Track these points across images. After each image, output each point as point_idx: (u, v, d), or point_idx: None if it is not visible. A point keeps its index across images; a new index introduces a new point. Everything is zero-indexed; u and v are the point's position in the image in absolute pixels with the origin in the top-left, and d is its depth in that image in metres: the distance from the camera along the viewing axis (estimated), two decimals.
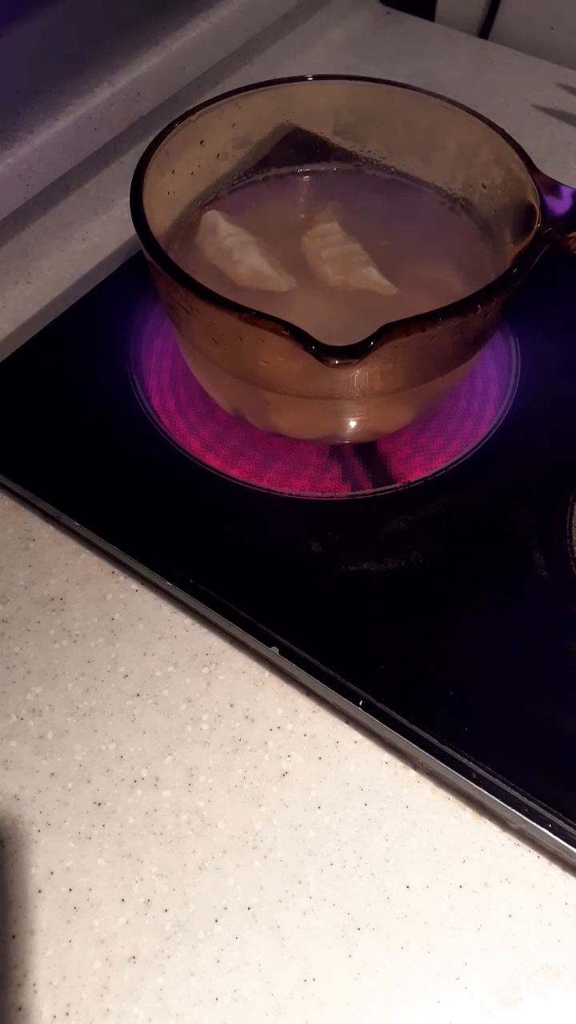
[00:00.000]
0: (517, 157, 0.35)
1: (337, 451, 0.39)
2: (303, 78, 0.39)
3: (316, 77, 0.39)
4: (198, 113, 0.37)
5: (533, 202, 0.33)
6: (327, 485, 0.38)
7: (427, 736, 0.31)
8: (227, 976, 0.28)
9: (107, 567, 0.37)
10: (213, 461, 0.39)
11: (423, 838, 0.31)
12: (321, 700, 0.34)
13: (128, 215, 0.33)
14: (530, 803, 0.30)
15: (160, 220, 0.36)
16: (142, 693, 0.34)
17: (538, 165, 0.34)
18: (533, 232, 0.32)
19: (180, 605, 0.36)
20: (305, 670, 0.33)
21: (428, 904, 0.30)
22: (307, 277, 0.38)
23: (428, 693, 0.32)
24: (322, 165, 0.41)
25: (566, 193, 0.33)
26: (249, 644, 0.34)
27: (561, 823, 0.29)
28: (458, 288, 0.37)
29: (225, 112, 0.38)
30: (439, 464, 0.39)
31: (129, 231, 0.51)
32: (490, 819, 0.31)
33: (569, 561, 0.35)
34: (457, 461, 0.39)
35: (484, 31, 0.67)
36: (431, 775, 0.32)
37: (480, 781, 0.30)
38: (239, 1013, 0.28)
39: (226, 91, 0.38)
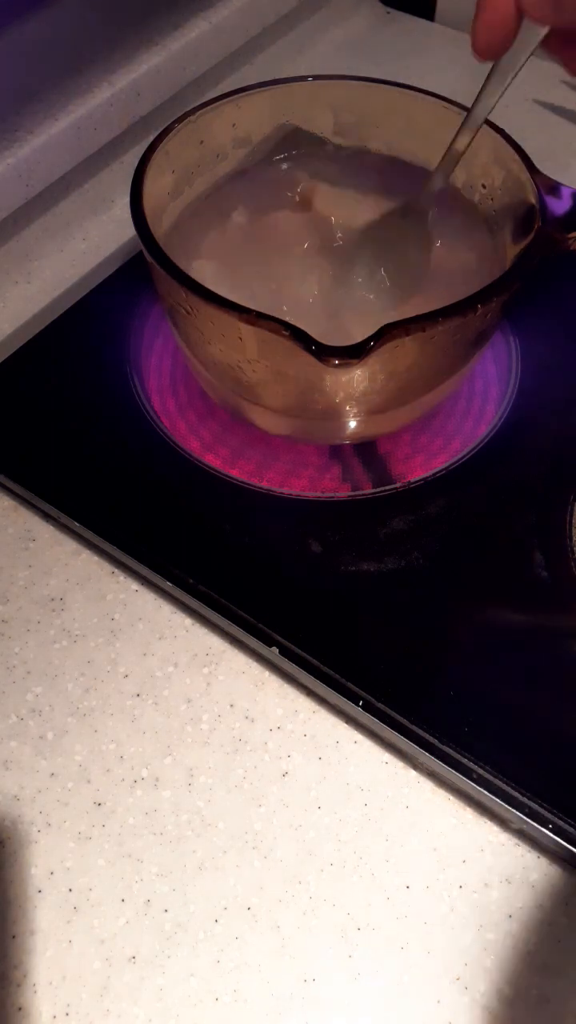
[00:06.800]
0: (517, 157, 0.35)
1: (337, 451, 0.39)
2: (303, 78, 0.39)
3: (316, 77, 0.39)
4: (198, 113, 0.37)
5: (533, 202, 0.33)
6: (327, 485, 0.38)
7: (427, 736, 0.31)
8: (227, 976, 0.28)
9: (107, 567, 0.37)
10: (213, 461, 0.39)
11: (423, 838, 0.31)
12: (321, 700, 0.34)
13: (128, 215, 0.33)
14: (530, 803, 0.30)
15: (160, 220, 0.36)
16: (142, 693, 0.34)
17: (538, 165, 0.34)
18: (533, 232, 0.33)
19: (180, 605, 0.36)
20: (305, 670, 0.33)
21: (428, 904, 0.30)
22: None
23: (428, 693, 0.32)
24: (322, 165, 0.41)
25: (566, 193, 0.33)
26: (249, 644, 0.34)
27: (561, 823, 0.29)
28: (459, 288, 0.37)
29: (225, 112, 0.38)
30: (439, 464, 0.39)
31: (129, 231, 0.51)
32: (490, 819, 0.31)
33: (569, 561, 0.35)
34: (457, 461, 0.39)
35: None
36: (431, 775, 0.32)
37: (480, 781, 0.30)
38: (239, 1013, 0.28)
39: (226, 91, 0.38)
